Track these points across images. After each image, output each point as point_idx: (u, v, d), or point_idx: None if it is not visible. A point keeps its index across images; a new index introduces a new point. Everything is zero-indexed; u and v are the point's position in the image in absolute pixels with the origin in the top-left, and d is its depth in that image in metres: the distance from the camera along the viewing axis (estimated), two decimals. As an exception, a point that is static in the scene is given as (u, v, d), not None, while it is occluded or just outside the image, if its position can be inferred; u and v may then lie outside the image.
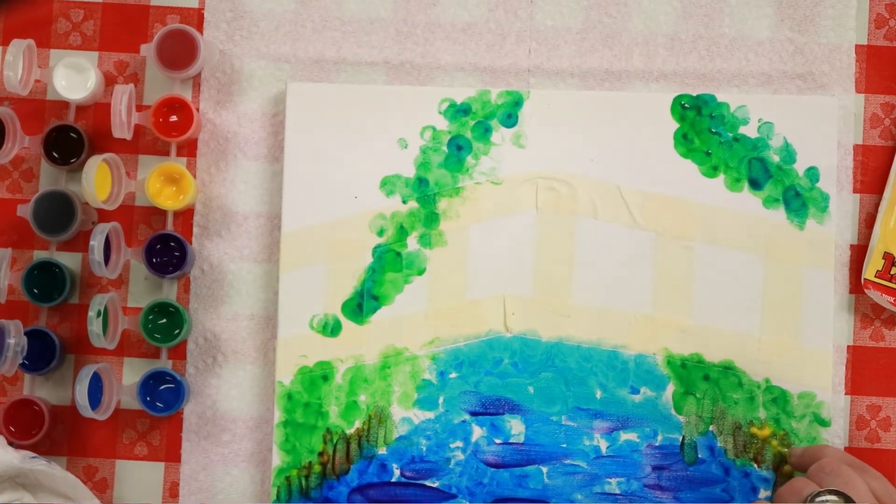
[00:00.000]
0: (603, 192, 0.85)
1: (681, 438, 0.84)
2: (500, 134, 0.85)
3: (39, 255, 0.86)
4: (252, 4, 0.87)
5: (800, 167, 0.85)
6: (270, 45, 0.87)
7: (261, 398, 0.85)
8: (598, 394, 0.84)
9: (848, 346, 0.86)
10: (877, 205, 0.86)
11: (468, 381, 0.84)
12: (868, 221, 0.86)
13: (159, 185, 0.84)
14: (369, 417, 0.84)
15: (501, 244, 0.85)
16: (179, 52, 0.84)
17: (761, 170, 0.85)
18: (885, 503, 0.74)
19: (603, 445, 0.84)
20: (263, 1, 0.87)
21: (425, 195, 0.85)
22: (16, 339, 0.79)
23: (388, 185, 0.85)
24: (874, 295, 0.85)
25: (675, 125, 0.85)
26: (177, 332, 0.84)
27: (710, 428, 0.84)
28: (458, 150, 0.85)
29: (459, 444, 0.84)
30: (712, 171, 0.85)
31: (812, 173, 0.85)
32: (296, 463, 0.83)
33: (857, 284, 0.86)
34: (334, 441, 0.84)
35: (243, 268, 0.86)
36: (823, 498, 0.72)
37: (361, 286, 0.84)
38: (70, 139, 0.85)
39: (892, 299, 0.84)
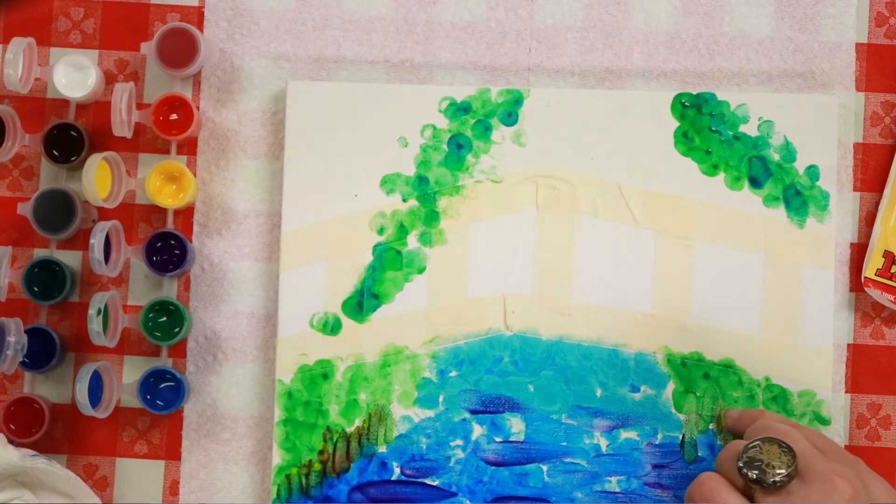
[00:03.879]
0: (603, 191, 0.85)
1: (681, 437, 0.84)
2: (500, 132, 0.85)
3: (39, 253, 0.86)
4: (252, 3, 0.87)
5: (800, 165, 0.85)
6: (271, 44, 0.87)
7: (261, 396, 0.85)
8: (599, 392, 0.84)
9: (848, 345, 0.86)
10: (877, 203, 0.86)
11: (468, 380, 0.84)
12: (868, 220, 0.86)
13: (159, 183, 0.84)
14: (369, 416, 0.84)
15: (502, 242, 0.85)
16: (180, 50, 0.84)
17: (761, 168, 0.85)
18: (822, 449, 0.73)
19: (603, 444, 0.84)
20: (264, -1, 0.87)
21: (425, 193, 0.85)
22: (16, 338, 0.79)
23: (388, 183, 0.85)
24: (874, 293, 0.85)
25: (675, 124, 0.85)
26: (177, 330, 0.84)
27: (711, 426, 0.84)
28: (458, 149, 0.85)
29: (459, 442, 0.84)
30: (712, 170, 0.85)
31: (812, 172, 0.85)
32: (296, 461, 0.83)
33: (857, 283, 0.86)
34: (334, 439, 0.84)
35: (243, 266, 0.86)
36: (755, 443, 0.71)
37: (361, 284, 0.84)
38: (70, 137, 0.85)
39: (892, 297, 0.84)
